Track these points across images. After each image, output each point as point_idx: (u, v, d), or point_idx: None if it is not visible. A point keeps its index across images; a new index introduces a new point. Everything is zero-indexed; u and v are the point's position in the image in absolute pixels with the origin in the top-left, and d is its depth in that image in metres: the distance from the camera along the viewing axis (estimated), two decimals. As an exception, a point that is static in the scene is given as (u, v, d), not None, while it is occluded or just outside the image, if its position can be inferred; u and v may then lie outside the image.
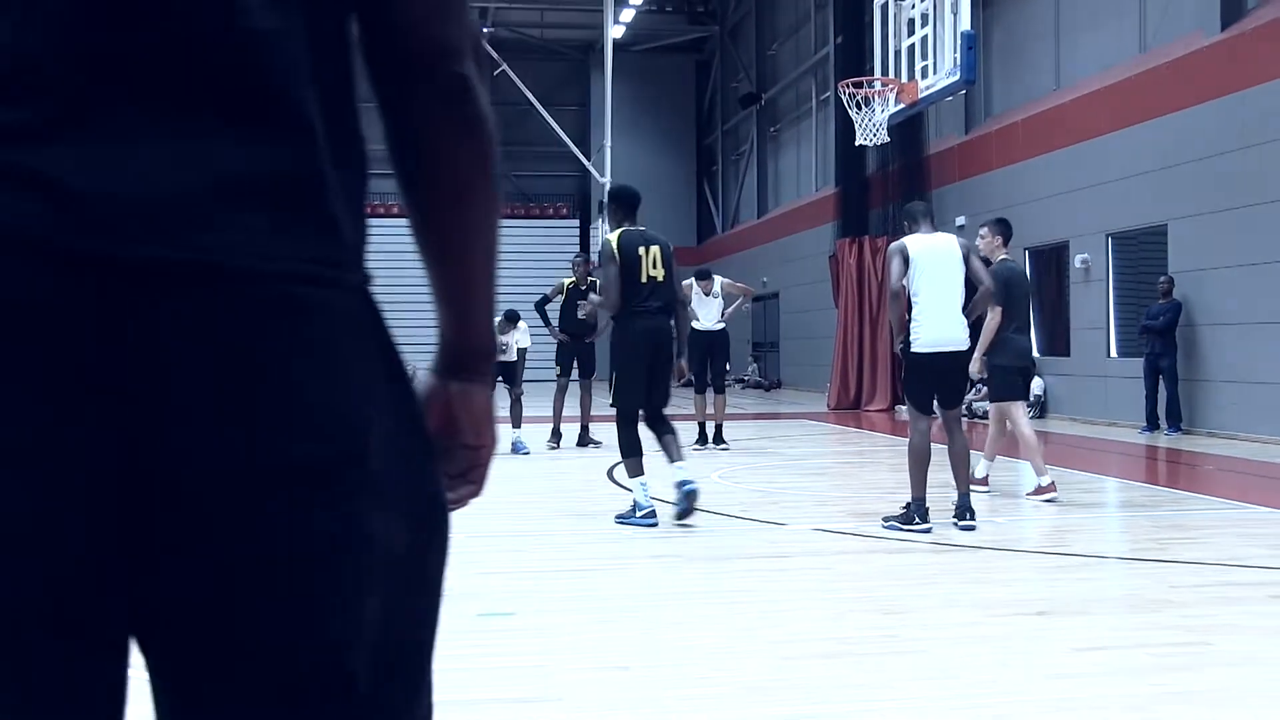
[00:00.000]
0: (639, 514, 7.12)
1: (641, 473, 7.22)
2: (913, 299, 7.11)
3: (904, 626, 4.71)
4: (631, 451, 7.27)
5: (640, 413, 7.40)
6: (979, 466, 8.52)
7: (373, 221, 1.10)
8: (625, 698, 3.85)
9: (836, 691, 3.84)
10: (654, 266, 7.36)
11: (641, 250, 7.35)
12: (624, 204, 7.57)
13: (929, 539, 6.71)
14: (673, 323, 7.67)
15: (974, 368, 7.70)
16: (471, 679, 3.99)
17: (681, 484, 7.03)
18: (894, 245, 7.30)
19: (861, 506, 8.15)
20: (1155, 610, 4.98)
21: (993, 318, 7.86)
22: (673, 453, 7.19)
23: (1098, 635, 4.56)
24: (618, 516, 7.33)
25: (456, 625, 4.67)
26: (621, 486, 9.39)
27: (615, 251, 7.30)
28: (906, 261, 7.08)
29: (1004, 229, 8.62)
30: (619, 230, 7.44)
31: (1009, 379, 8.34)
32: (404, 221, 1.19)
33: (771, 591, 5.42)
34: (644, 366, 7.37)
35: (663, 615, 4.95)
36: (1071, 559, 6.21)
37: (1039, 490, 8.20)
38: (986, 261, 8.10)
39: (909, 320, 7.10)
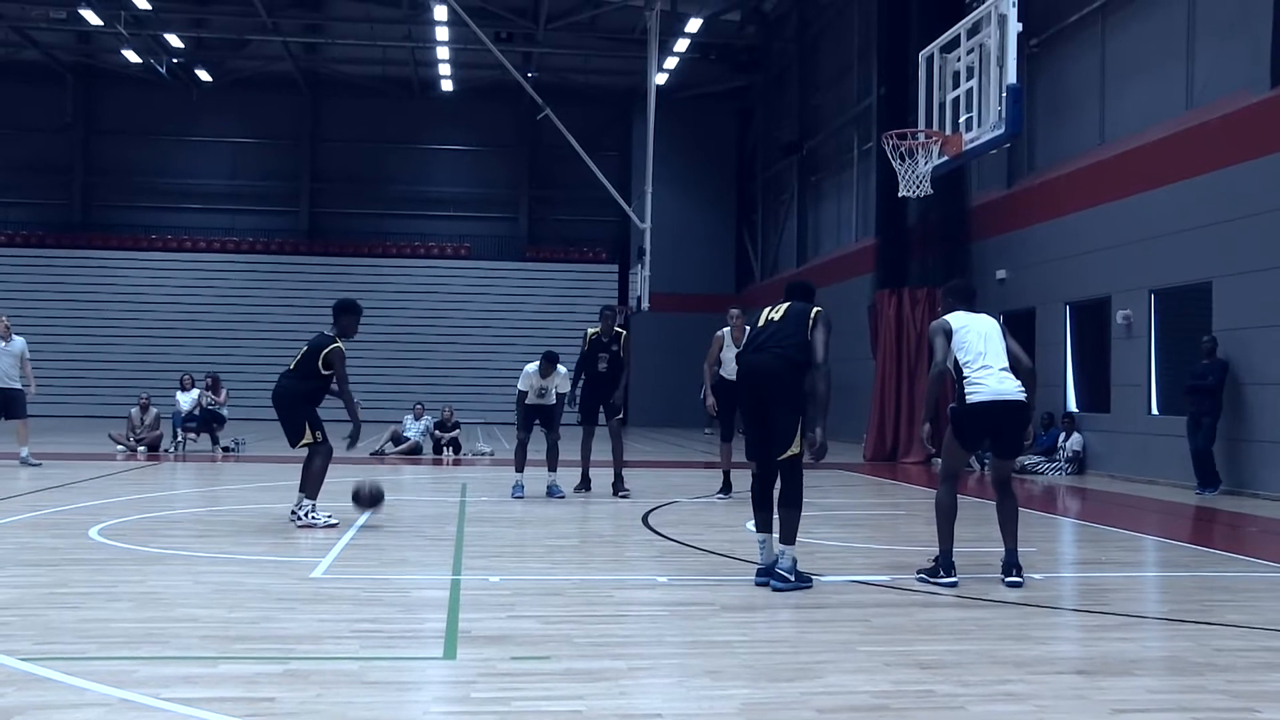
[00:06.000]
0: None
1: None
2: (963, 364, 7.09)
3: (941, 682, 4.65)
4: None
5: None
6: None
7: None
8: (659, 747, 3.82)
9: (873, 747, 3.79)
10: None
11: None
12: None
13: (968, 594, 6.65)
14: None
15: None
16: (505, 723, 3.98)
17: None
18: (935, 323, 7.36)
19: (898, 559, 8.09)
20: (1198, 674, 4.89)
21: None
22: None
23: (1139, 697, 4.49)
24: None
25: (493, 669, 4.68)
26: (656, 533, 9.36)
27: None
28: (949, 336, 7.15)
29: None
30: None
31: None
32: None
33: (808, 643, 5.38)
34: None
35: (697, 664, 4.92)
36: (1111, 618, 6.12)
37: None
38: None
39: (962, 381, 7.07)
